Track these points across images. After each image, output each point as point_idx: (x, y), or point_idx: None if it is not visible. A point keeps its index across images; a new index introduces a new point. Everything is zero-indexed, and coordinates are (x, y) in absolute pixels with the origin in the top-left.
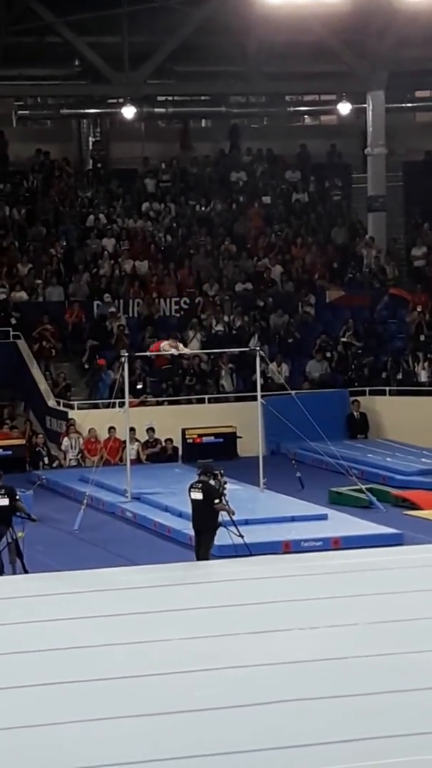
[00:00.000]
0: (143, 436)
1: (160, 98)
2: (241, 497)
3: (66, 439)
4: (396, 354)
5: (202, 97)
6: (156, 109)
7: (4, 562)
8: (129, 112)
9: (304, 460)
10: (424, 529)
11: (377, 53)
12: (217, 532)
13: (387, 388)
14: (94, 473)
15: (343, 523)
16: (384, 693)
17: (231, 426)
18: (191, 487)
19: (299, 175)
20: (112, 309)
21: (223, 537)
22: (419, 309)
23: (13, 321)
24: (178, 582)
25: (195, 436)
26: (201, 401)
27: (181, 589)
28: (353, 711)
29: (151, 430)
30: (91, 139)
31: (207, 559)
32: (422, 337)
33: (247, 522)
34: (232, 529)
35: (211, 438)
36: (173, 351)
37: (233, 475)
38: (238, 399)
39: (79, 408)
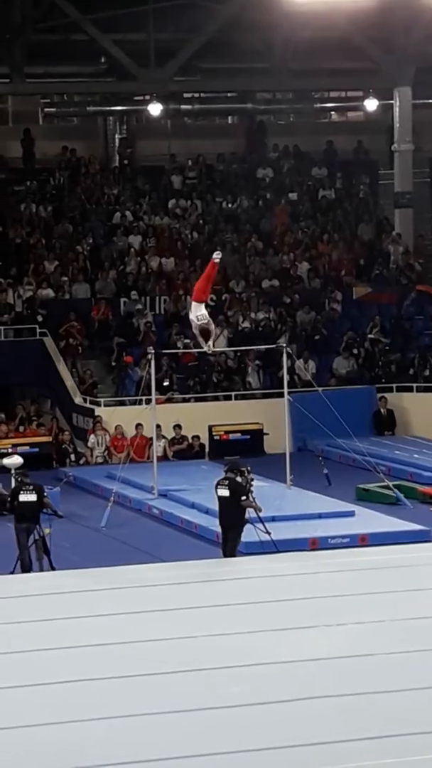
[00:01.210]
0: (170, 433)
1: (186, 95)
2: (267, 494)
3: (92, 436)
4: (423, 350)
5: (229, 94)
6: (182, 106)
7: (31, 559)
8: (155, 109)
9: (331, 456)
10: None
11: (404, 49)
12: (244, 528)
13: (414, 385)
14: (121, 470)
15: (370, 520)
16: (412, 690)
17: (258, 423)
18: (218, 484)
19: (326, 172)
20: (139, 306)
21: (249, 534)
22: None
23: (40, 318)
24: (204, 579)
25: (222, 432)
26: (228, 398)
27: (208, 586)
28: (381, 707)
29: (178, 426)
30: (117, 136)
31: (234, 555)
32: None
33: (273, 519)
34: (259, 525)
35: (238, 435)
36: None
37: (260, 472)
38: (264, 396)
39: (105, 405)
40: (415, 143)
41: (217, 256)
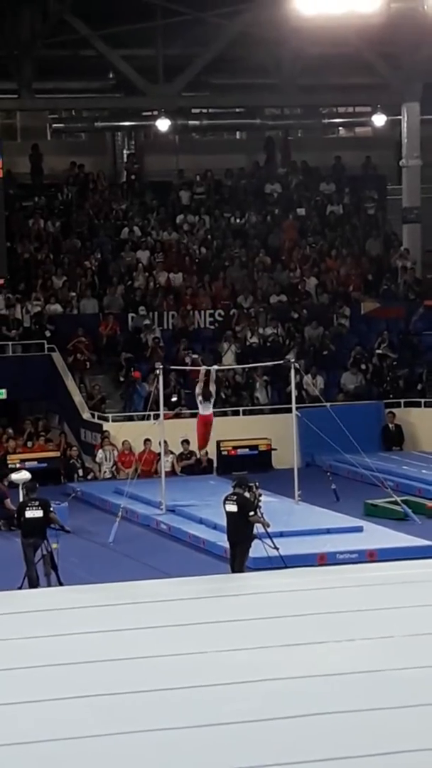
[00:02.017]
0: (177, 448)
1: (194, 111)
2: (276, 509)
3: (100, 451)
4: (431, 365)
5: (237, 110)
6: (190, 122)
7: (39, 575)
8: (163, 124)
9: (339, 472)
10: None
11: (412, 65)
12: (252, 544)
13: (422, 400)
14: (129, 485)
15: (379, 536)
16: (420, 706)
17: (266, 438)
18: (226, 499)
19: (334, 187)
20: (147, 321)
21: (258, 549)
22: None
23: (48, 333)
24: (212, 594)
25: (230, 448)
26: (236, 413)
27: (216, 602)
28: (390, 724)
29: (185, 442)
30: (125, 151)
31: (242, 571)
32: None
33: (282, 534)
34: (267, 541)
35: (246, 450)
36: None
37: (268, 488)
38: (273, 411)
39: (113, 420)
40: (423, 158)
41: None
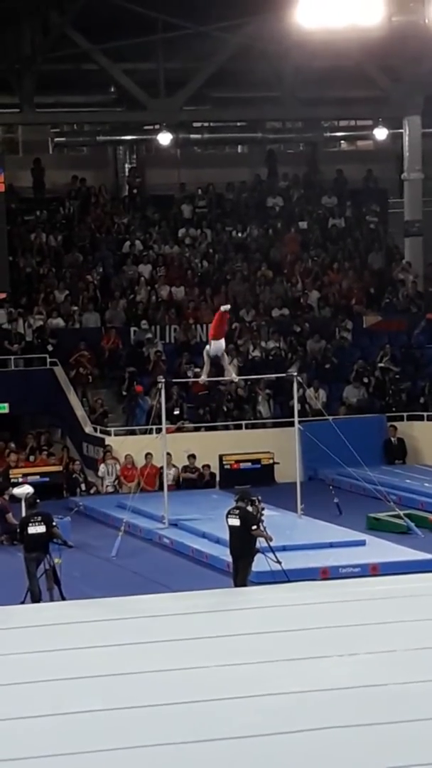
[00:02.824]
0: (180, 462)
1: (196, 124)
2: (278, 523)
3: (103, 465)
4: None
5: (238, 123)
6: (192, 135)
7: (41, 589)
8: (165, 138)
9: (342, 485)
10: None
11: (414, 78)
12: (255, 558)
13: (425, 414)
14: (131, 500)
15: (382, 549)
16: (424, 720)
17: (268, 452)
18: (228, 513)
19: (336, 201)
20: (149, 335)
21: (260, 563)
22: None
23: (50, 347)
24: (215, 609)
25: (232, 462)
26: (238, 427)
27: (219, 616)
28: (393, 738)
29: (192, 456)
30: (127, 165)
31: (245, 585)
32: None
33: (284, 548)
34: (270, 555)
35: (249, 464)
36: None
37: (271, 501)
38: (275, 425)
39: (116, 434)
40: (424, 172)
41: (225, 308)
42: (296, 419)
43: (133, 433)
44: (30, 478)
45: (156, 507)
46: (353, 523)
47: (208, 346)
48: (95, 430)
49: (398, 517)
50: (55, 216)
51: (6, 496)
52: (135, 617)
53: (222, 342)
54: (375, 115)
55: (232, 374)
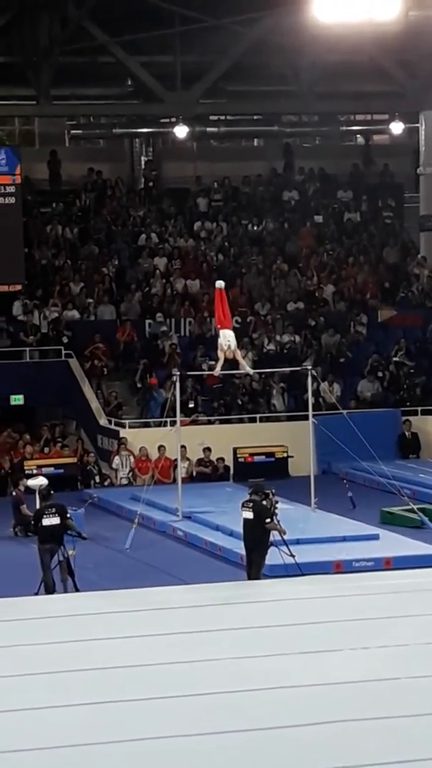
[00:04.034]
0: (194, 455)
1: (212, 118)
2: (292, 517)
3: (117, 457)
4: None
5: (255, 117)
6: (208, 129)
7: (55, 581)
8: (181, 131)
9: (356, 479)
10: None
11: (430, 73)
12: (269, 551)
13: None
14: (145, 492)
15: (395, 543)
16: None
17: (282, 445)
18: (242, 506)
19: (351, 195)
20: (164, 328)
21: (274, 556)
22: None
23: (65, 340)
24: (228, 601)
25: (246, 455)
26: (252, 420)
27: (232, 609)
28: (405, 732)
29: (207, 449)
30: (143, 158)
31: (258, 578)
32: None
33: (298, 541)
34: (284, 548)
35: (263, 457)
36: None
37: (284, 495)
38: (289, 418)
39: (130, 427)
40: None
41: (219, 284)
42: (310, 413)
43: (147, 425)
44: (44, 470)
45: (170, 499)
46: (367, 517)
47: (219, 340)
48: (110, 422)
49: (412, 511)
50: (71, 208)
51: (21, 488)
52: (148, 609)
53: (230, 332)
54: (391, 110)
55: (246, 367)
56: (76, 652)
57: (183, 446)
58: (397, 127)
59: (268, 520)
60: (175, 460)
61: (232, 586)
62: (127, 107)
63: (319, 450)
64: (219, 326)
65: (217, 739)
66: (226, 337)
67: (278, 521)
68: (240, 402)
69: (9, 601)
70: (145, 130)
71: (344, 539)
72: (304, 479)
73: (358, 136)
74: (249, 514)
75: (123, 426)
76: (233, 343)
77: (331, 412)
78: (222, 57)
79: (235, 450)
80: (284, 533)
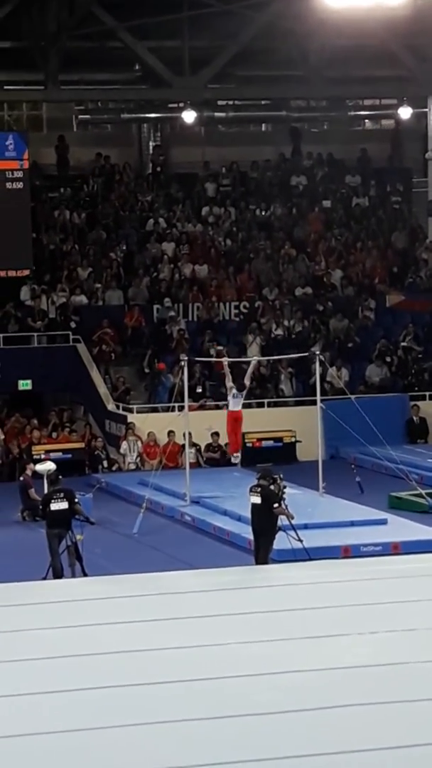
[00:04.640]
0: (202, 440)
1: (220, 102)
2: (300, 501)
3: (125, 442)
4: None
5: (263, 102)
6: (216, 114)
7: (63, 565)
8: (189, 116)
9: (364, 464)
10: None
11: None
12: (276, 536)
13: None
14: (153, 477)
15: (403, 528)
16: None
17: (290, 430)
18: (250, 491)
19: (359, 180)
20: (172, 313)
21: (282, 541)
22: None
23: (73, 325)
24: (236, 586)
25: (254, 440)
26: (260, 405)
27: (240, 593)
28: (413, 716)
29: (215, 434)
30: (151, 143)
31: (266, 563)
32: None
33: (306, 526)
34: (291, 533)
35: (271, 442)
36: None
37: (292, 480)
38: (297, 403)
39: (138, 412)
40: None
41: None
42: (318, 398)
43: (155, 410)
44: (52, 455)
45: (178, 484)
46: (375, 501)
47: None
48: (117, 407)
49: (420, 496)
50: (78, 193)
51: (28, 473)
52: (156, 594)
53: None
54: (400, 94)
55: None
56: (84, 637)
57: (190, 432)
58: (405, 112)
59: (276, 505)
60: (183, 445)
61: (240, 570)
62: (135, 92)
63: (327, 435)
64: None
65: (224, 724)
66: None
67: (286, 506)
68: (248, 387)
69: (17, 585)
70: (153, 115)
71: (352, 524)
72: (312, 464)
73: (367, 121)
74: (257, 499)
75: (131, 411)
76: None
77: (339, 397)
78: (230, 42)
79: (243, 435)
80: (292, 518)
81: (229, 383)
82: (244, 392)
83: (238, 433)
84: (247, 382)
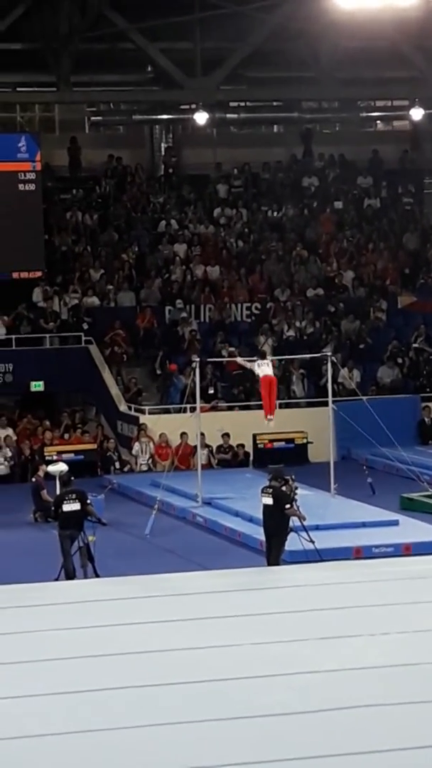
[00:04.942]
0: (213, 441)
1: (232, 104)
2: (312, 503)
3: (137, 444)
4: None
5: (275, 103)
6: (228, 115)
7: (75, 566)
8: (201, 117)
9: (375, 465)
10: None
11: None
12: (288, 537)
13: None
14: (165, 478)
15: (415, 529)
16: None
17: (302, 431)
18: (262, 492)
19: (371, 181)
20: (184, 314)
21: (293, 542)
22: None
23: (85, 326)
24: (248, 587)
25: (266, 441)
26: None
27: (252, 595)
28: (424, 717)
29: (226, 435)
30: (163, 144)
31: (278, 564)
32: None
33: (318, 527)
34: (303, 534)
35: (282, 443)
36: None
37: (304, 481)
38: (309, 404)
39: (150, 413)
40: None
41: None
42: (330, 399)
43: (167, 411)
44: (64, 456)
45: (190, 485)
46: (386, 503)
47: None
48: (129, 408)
49: (431, 497)
50: (90, 195)
51: (41, 474)
52: (168, 595)
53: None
54: (411, 96)
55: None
56: (96, 638)
57: (202, 433)
58: (417, 113)
59: (287, 506)
60: (195, 446)
61: (252, 572)
62: (147, 93)
63: (338, 436)
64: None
65: (236, 725)
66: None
67: (298, 507)
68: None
69: (30, 586)
70: (165, 116)
71: (364, 525)
72: (323, 465)
73: (379, 122)
74: (269, 500)
75: (143, 412)
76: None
77: (351, 398)
78: (242, 43)
79: (254, 436)
80: (304, 519)
81: (248, 365)
82: (269, 359)
83: (273, 396)
84: (265, 347)
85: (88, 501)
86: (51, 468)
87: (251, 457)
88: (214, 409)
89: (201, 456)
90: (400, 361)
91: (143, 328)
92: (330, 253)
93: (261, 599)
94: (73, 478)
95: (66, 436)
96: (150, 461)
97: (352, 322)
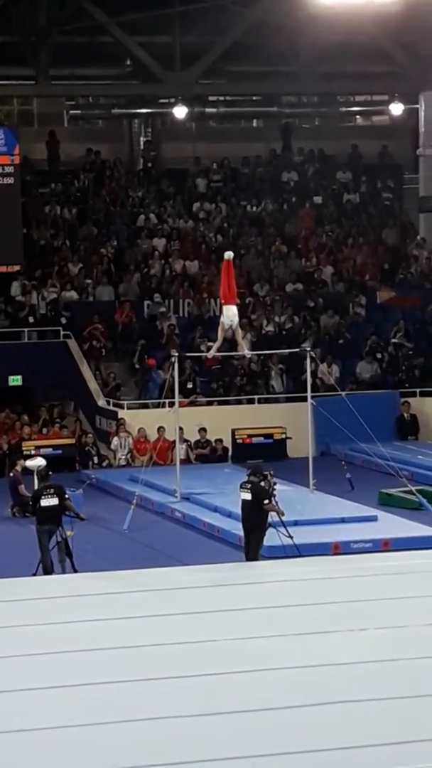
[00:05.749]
0: (192, 436)
1: (211, 98)
2: (290, 498)
3: (115, 438)
4: None
5: (254, 97)
6: (207, 109)
7: (53, 561)
8: (180, 111)
9: (354, 461)
10: None
11: (430, 53)
12: (267, 532)
13: None
14: (144, 473)
15: (393, 525)
16: None
17: (281, 427)
18: (241, 487)
19: (350, 176)
20: (163, 309)
21: (272, 538)
22: None
23: (64, 320)
24: (227, 582)
25: (245, 436)
26: (251, 402)
27: (230, 590)
28: (403, 713)
29: (203, 430)
30: (142, 138)
31: (256, 559)
32: None
33: (296, 523)
34: (282, 529)
35: (261, 438)
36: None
37: (283, 476)
38: (288, 400)
39: (128, 408)
40: None
41: (228, 255)
42: (309, 394)
43: (145, 406)
44: (42, 451)
45: (168, 480)
46: (365, 498)
47: (222, 317)
48: (108, 403)
49: (410, 492)
50: (69, 189)
51: (18, 468)
52: (146, 590)
53: (234, 309)
54: (391, 90)
55: (245, 349)
56: (74, 633)
57: (181, 428)
58: (396, 108)
59: (266, 501)
60: (174, 441)
61: (231, 567)
62: (126, 87)
63: (317, 431)
64: (223, 301)
65: (215, 721)
66: (229, 316)
67: (276, 502)
68: (238, 383)
69: (7, 581)
70: (144, 110)
71: (342, 521)
72: (302, 460)
73: (358, 117)
74: (247, 496)
75: (121, 407)
76: (235, 321)
77: (330, 394)
78: (221, 37)
79: (233, 431)
80: (282, 514)
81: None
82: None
83: (232, 279)
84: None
85: (67, 496)
86: (29, 463)
87: (230, 453)
88: (192, 404)
89: (180, 451)
90: (379, 356)
91: (122, 323)
92: (309, 248)
93: (239, 595)
94: (51, 472)
95: (44, 430)
96: (129, 456)
97: (331, 318)
